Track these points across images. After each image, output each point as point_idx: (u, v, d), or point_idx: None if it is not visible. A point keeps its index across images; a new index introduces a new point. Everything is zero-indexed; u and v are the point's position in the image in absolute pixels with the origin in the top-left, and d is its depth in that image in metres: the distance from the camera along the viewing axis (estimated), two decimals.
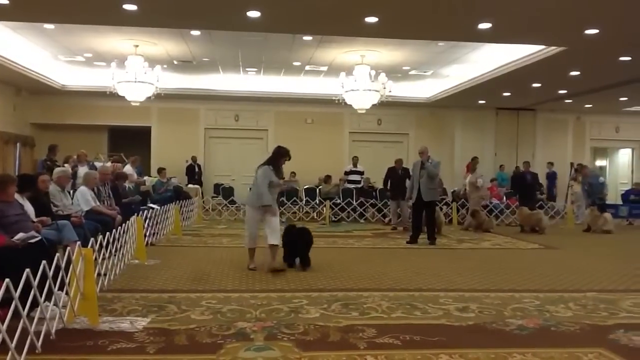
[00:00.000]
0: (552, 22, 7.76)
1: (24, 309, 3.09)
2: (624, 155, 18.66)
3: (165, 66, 12.08)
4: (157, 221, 8.12)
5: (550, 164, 15.97)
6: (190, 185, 13.98)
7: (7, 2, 7.20)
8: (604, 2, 6.94)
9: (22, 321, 3.08)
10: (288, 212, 12.82)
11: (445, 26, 8.23)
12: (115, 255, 5.53)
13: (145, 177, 12.32)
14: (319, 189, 13.83)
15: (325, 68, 12.52)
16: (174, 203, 9.92)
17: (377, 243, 9.21)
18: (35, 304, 3.31)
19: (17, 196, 5.16)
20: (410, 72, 12.84)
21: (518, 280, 5.98)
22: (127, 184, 9.41)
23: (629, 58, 9.71)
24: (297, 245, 6.38)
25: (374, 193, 13.60)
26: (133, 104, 12.06)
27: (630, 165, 18.23)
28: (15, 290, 2.98)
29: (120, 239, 5.75)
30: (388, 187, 11.76)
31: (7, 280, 2.88)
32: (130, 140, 15.46)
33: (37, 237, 4.55)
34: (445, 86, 14.03)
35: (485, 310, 4.54)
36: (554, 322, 4.22)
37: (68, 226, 5.70)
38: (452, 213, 12.46)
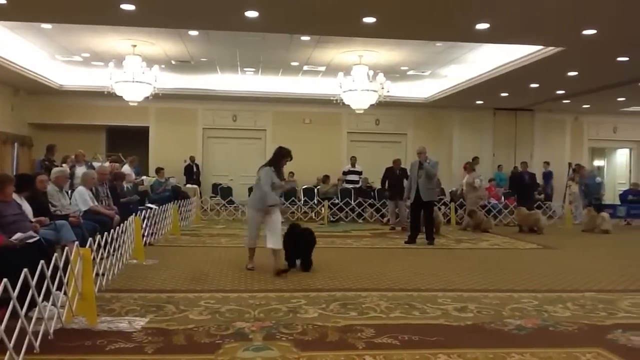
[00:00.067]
0: (550, 22, 7.76)
1: (22, 309, 3.09)
2: (622, 156, 18.69)
3: (163, 66, 12.07)
4: (155, 221, 8.11)
5: (547, 163, 15.97)
6: (188, 185, 13.93)
7: (5, 1, 7.19)
8: (601, 3, 6.95)
9: (20, 321, 3.08)
10: (286, 213, 12.80)
11: (443, 26, 8.24)
12: (113, 255, 5.51)
13: (144, 177, 12.30)
14: (317, 189, 13.80)
15: (323, 68, 12.52)
16: (172, 203, 9.90)
17: (376, 243, 9.21)
18: (33, 304, 3.31)
19: (15, 196, 5.14)
20: (408, 73, 12.85)
21: (516, 280, 5.98)
22: (125, 184, 9.39)
23: (626, 58, 9.73)
24: (299, 245, 6.24)
25: (372, 193, 13.58)
26: (131, 104, 12.07)
27: (628, 165, 18.25)
28: (14, 290, 2.98)
29: (118, 239, 5.73)
30: (386, 187, 11.77)
31: (4, 280, 2.88)
32: (128, 140, 15.45)
33: (35, 237, 4.54)
34: (443, 86, 14.04)
35: (484, 310, 4.54)
36: (552, 322, 4.23)
37: (66, 226, 5.69)
38: (451, 213, 12.46)
